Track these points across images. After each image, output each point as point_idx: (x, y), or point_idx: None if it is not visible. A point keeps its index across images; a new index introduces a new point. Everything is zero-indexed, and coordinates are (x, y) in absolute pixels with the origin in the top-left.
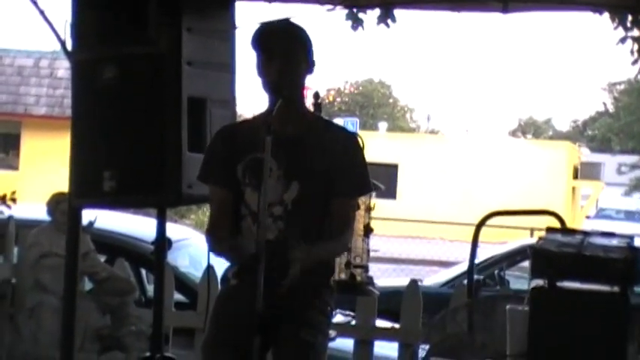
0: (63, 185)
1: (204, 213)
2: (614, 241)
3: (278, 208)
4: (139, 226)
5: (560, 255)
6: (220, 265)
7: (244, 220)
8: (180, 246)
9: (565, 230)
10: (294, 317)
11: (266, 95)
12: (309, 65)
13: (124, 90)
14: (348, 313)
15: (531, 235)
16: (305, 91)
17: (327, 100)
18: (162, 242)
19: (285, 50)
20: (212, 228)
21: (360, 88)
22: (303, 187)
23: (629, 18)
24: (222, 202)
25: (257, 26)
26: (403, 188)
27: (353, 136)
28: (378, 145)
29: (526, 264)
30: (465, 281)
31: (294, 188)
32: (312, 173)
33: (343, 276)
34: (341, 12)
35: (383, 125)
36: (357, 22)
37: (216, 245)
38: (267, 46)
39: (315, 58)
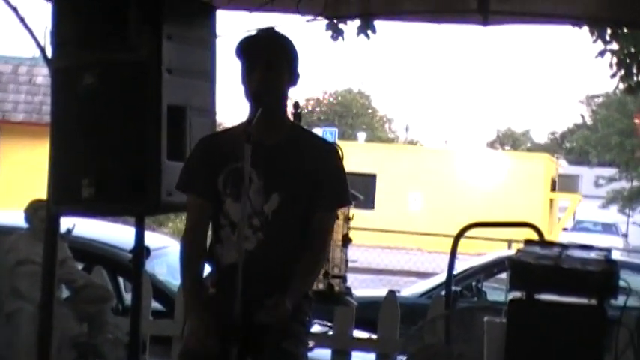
0: (41, 192)
1: (182, 221)
2: (592, 254)
3: (257, 219)
4: (117, 234)
5: (538, 267)
6: None
7: (223, 230)
8: (158, 254)
9: (543, 242)
10: (275, 328)
11: (247, 104)
12: (292, 77)
13: (104, 97)
14: (325, 323)
15: (509, 246)
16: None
17: (305, 110)
18: (141, 250)
19: (267, 60)
20: (188, 234)
21: (339, 97)
22: (283, 199)
23: (608, 31)
24: (200, 211)
25: (242, 35)
26: (381, 198)
27: (333, 147)
28: (356, 155)
29: (503, 276)
30: (443, 292)
31: (274, 199)
32: (292, 185)
33: (321, 286)
34: (321, 22)
35: (362, 135)
36: (337, 33)
37: (187, 253)
38: (250, 56)
39: (300, 70)
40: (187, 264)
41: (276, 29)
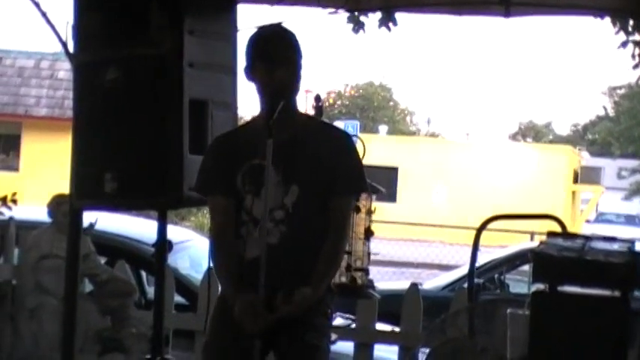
0: (64, 187)
1: (204, 215)
2: (615, 246)
3: (279, 212)
4: (140, 228)
5: (561, 259)
6: None
7: (245, 227)
8: (180, 248)
9: (566, 234)
10: (297, 321)
11: (260, 99)
12: (301, 70)
13: (126, 92)
14: (348, 316)
15: (531, 239)
16: (306, 94)
17: (327, 103)
18: (163, 244)
19: (287, 59)
20: (217, 236)
21: (361, 91)
22: (302, 190)
23: (631, 22)
24: (225, 211)
25: (253, 32)
26: (403, 191)
27: (347, 135)
28: (378, 148)
29: (526, 268)
30: (465, 285)
31: (293, 192)
32: (310, 175)
33: (344, 279)
34: (342, 15)
35: (383, 128)
36: (358, 25)
37: (221, 255)
38: (269, 55)
39: (303, 61)
40: (223, 266)
41: (282, 24)
